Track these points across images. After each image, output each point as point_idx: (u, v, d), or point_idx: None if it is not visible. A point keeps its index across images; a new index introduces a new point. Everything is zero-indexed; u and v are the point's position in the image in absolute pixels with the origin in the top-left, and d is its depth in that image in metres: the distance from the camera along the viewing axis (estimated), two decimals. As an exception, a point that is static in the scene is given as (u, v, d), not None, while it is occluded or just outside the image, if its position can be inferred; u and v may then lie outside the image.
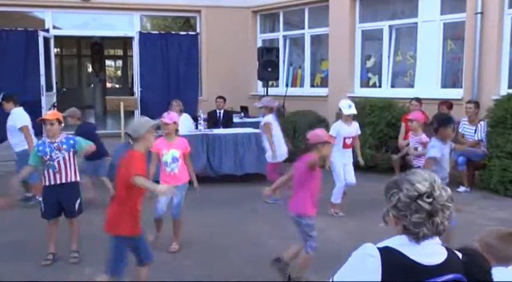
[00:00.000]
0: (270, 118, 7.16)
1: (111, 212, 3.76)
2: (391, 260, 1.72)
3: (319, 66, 11.99)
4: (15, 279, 4.42)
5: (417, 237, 1.75)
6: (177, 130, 5.26)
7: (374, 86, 10.67)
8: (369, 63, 10.82)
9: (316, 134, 4.24)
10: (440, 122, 4.73)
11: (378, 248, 1.76)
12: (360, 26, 10.60)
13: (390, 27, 10.20)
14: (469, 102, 8.06)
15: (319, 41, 11.84)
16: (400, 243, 1.77)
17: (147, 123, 3.73)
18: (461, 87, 8.95)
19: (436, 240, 1.79)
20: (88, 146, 5.12)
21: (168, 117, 5.12)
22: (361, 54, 10.73)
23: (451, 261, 1.80)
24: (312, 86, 11.99)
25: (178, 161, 5.10)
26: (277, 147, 7.09)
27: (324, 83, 11.58)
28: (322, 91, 11.31)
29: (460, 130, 8.01)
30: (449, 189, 1.79)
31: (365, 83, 10.82)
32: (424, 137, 6.22)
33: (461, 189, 7.52)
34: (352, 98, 9.97)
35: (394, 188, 1.79)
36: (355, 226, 5.95)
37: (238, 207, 6.84)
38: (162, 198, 5.08)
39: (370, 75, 10.81)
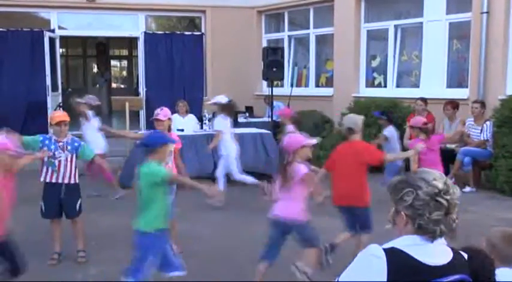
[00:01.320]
0: (91, 114, 7.50)
1: (349, 187, 4.47)
2: (397, 260, 1.72)
3: (324, 66, 11.98)
4: (21, 279, 4.43)
5: (434, 236, 1.76)
6: (170, 127, 5.24)
7: (379, 85, 10.64)
8: (374, 63, 10.80)
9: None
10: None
11: (384, 248, 1.76)
12: (365, 25, 10.58)
13: (396, 27, 10.18)
14: (475, 102, 8.04)
15: (324, 41, 11.83)
16: (407, 243, 1.76)
17: (361, 119, 4.66)
18: (467, 87, 8.92)
19: (442, 240, 1.79)
20: (95, 156, 5.10)
21: (162, 113, 5.08)
22: (366, 54, 10.71)
23: (457, 261, 1.80)
24: (317, 86, 11.98)
25: (171, 154, 5.10)
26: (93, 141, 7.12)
27: (329, 83, 11.56)
28: (327, 91, 11.30)
29: (465, 130, 7.98)
30: (457, 187, 1.82)
31: (370, 83, 10.80)
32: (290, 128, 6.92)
33: (467, 189, 7.49)
34: (358, 98, 10.01)
35: (406, 188, 1.78)
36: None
37: (243, 207, 6.85)
38: None
39: (375, 75, 10.78)
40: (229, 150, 7.08)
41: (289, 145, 3.95)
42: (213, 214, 6.55)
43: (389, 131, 7.17)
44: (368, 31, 10.64)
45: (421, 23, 9.66)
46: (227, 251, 5.20)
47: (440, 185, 1.74)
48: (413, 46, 10.22)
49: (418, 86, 9.85)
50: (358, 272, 1.77)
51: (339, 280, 1.82)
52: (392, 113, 7.95)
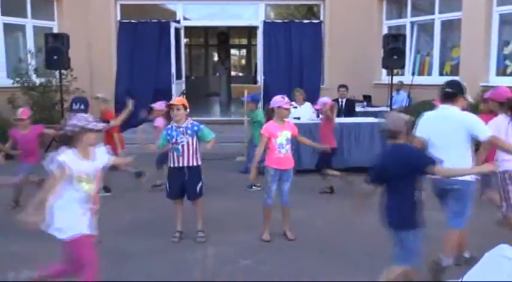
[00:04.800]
0: None
1: None
2: (532, 264, 1.57)
3: (449, 54, 11.32)
4: (144, 254, 4.76)
5: None
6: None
7: (512, 74, 9.84)
8: (507, 50, 9.98)
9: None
10: None
11: (516, 250, 1.62)
12: (497, 9, 9.79)
13: (534, 9, 9.29)
14: None
15: (450, 27, 11.16)
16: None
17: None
18: None
19: None
20: (211, 139, 5.13)
21: (287, 101, 5.12)
22: (498, 40, 9.92)
23: None
24: (441, 74, 11.34)
25: (290, 142, 5.13)
26: None
27: (454, 71, 10.91)
28: (452, 80, 10.68)
29: None
30: None
31: (501, 71, 10.01)
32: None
33: None
34: (486, 87, 9.31)
35: None
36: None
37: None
38: (273, 186, 5.12)
39: (507, 62, 9.97)
40: None
41: None
42: (326, 202, 6.54)
43: None
44: (501, 15, 9.83)
45: None
46: (342, 241, 5.15)
47: None
48: (554, 30, 9.28)
49: (559, 75, 8.94)
50: (486, 273, 1.65)
51: (463, 281, 1.71)
52: None
